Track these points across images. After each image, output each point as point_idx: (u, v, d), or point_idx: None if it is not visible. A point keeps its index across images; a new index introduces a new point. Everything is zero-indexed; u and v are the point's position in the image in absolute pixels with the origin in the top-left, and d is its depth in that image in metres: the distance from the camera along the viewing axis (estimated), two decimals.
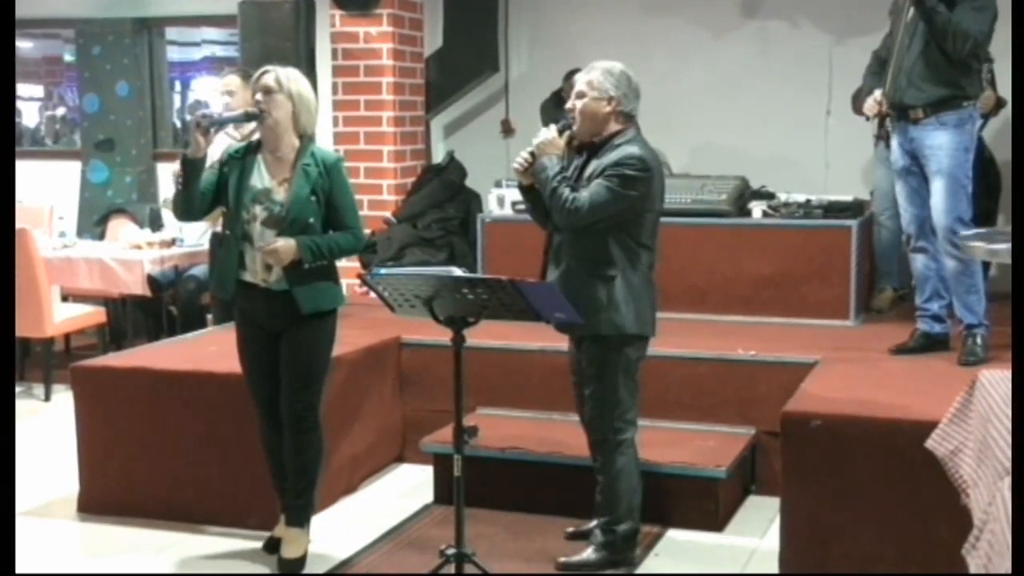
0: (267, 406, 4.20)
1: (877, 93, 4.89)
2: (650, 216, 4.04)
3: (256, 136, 4.27)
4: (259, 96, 4.08)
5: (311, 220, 4.07)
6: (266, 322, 4.14)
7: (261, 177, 4.10)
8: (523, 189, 4.18)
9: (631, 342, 4.05)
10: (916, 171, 4.84)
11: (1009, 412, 2.15)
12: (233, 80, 5.79)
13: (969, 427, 2.43)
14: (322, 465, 4.29)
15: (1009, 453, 2.03)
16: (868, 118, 5.10)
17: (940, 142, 4.69)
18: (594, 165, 3.99)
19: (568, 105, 4.10)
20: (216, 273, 4.35)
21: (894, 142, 4.90)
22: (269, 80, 4.09)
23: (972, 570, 2.29)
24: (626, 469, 4.12)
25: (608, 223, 3.95)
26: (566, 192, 3.93)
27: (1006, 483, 1.97)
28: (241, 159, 4.15)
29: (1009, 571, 1.66)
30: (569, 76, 7.29)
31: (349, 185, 4.25)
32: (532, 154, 4.05)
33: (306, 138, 4.15)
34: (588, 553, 4.17)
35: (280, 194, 4.07)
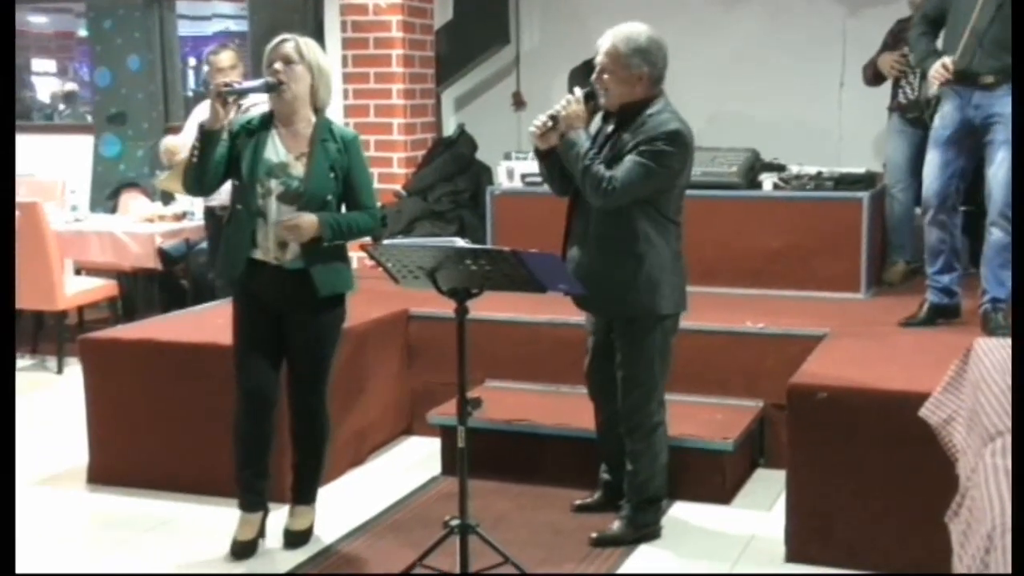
0: (254, 392, 4.04)
1: (947, 59, 4.66)
2: (678, 190, 4.01)
3: (252, 108, 4.11)
4: (278, 65, 3.91)
5: (329, 197, 3.96)
6: (273, 303, 3.99)
7: (276, 151, 3.94)
8: (539, 154, 4.08)
9: (665, 321, 4.03)
10: (961, 141, 4.72)
11: (999, 379, 2.14)
12: (228, 56, 5.76)
13: (962, 395, 2.41)
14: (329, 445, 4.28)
15: (995, 420, 2.02)
16: (914, 76, 4.86)
17: (1010, 111, 4.51)
18: (626, 137, 3.92)
19: (593, 77, 3.99)
20: (225, 250, 4.05)
21: (948, 107, 4.73)
22: (289, 49, 3.91)
23: (953, 537, 2.28)
24: (660, 450, 4.14)
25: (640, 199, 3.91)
26: (600, 170, 3.85)
27: (989, 449, 1.96)
28: (255, 131, 3.97)
29: (986, 535, 1.65)
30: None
31: (366, 163, 4.16)
32: (552, 118, 3.94)
33: (322, 112, 4.02)
34: (619, 527, 4.17)
35: (298, 169, 3.93)
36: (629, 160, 3.86)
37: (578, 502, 4.44)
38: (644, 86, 3.95)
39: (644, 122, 3.91)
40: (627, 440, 4.14)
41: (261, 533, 4.16)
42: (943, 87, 4.71)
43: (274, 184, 3.92)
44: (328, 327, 4.07)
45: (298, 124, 3.97)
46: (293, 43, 3.94)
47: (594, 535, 4.15)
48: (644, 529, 4.18)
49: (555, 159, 4.02)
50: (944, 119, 4.77)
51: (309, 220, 3.87)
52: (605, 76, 3.95)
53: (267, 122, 4.01)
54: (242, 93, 3.98)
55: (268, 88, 3.93)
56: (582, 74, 7.32)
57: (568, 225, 4.11)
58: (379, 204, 7.04)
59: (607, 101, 3.99)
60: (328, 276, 3.98)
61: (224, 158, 3.93)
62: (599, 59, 3.96)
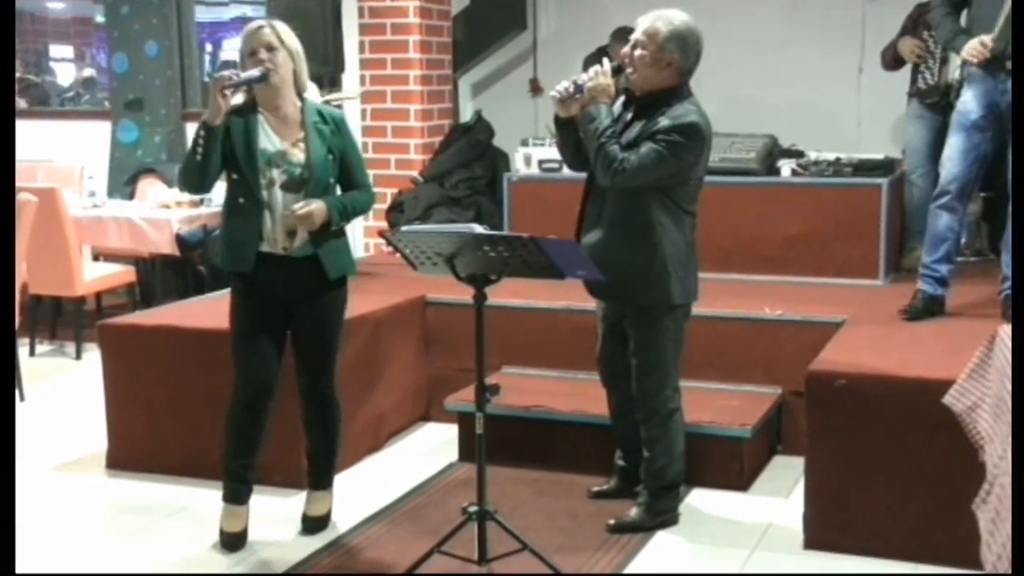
0: (257, 384, 3.98)
1: (985, 37, 4.50)
2: (695, 181, 4.00)
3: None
4: (263, 54, 3.84)
5: (331, 180, 3.95)
6: (282, 294, 3.96)
7: (270, 139, 3.88)
8: (557, 121, 4.08)
9: (676, 310, 4.03)
10: (986, 129, 4.63)
11: None
12: None
13: (988, 382, 2.39)
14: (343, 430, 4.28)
15: None
16: (935, 59, 4.71)
17: None
18: (645, 124, 3.91)
19: (624, 50, 3.96)
20: (231, 245, 3.96)
21: (974, 92, 4.62)
22: (269, 36, 3.86)
23: (981, 524, 2.26)
24: (677, 437, 4.14)
25: (652, 186, 3.90)
26: (615, 150, 3.85)
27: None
28: (242, 122, 3.87)
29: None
30: (619, 34, 7.21)
31: (356, 141, 4.16)
32: (577, 86, 3.92)
33: (304, 95, 3.99)
34: (636, 514, 4.17)
35: (297, 155, 3.90)
36: (646, 146, 3.85)
37: (595, 489, 4.44)
38: (671, 73, 3.93)
39: (664, 112, 3.90)
40: (643, 427, 4.14)
41: (247, 527, 4.12)
42: (977, 67, 4.62)
43: (276, 174, 3.88)
44: (336, 310, 4.07)
45: (286, 109, 3.92)
46: (271, 29, 3.89)
47: (612, 522, 4.15)
48: (662, 515, 4.18)
49: (572, 128, 4.01)
50: (969, 104, 4.66)
51: (319, 207, 3.85)
52: (637, 53, 3.93)
53: (249, 111, 3.92)
54: (243, 85, 3.86)
55: (262, 78, 3.84)
56: (595, 61, 7.31)
57: (583, 209, 4.10)
58: (393, 188, 7.09)
59: (633, 81, 3.98)
60: (336, 259, 3.99)
61: (219, 153, 3.84)
62: (636, 35, 3.94)
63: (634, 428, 4.22)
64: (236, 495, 4.09)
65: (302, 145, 3.92)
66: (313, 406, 4.13)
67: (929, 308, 4.79)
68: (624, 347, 4.13)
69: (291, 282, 3.95)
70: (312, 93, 6.09)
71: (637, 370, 4.07)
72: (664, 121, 3.88)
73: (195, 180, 3.88)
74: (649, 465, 4.16)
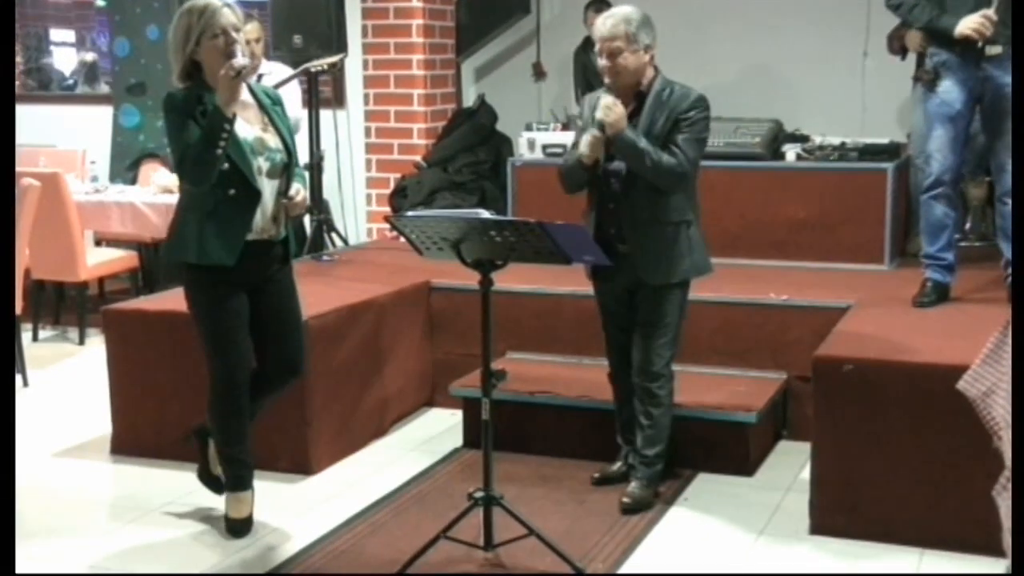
0: (245, 367, 3.93)
1: (989, 11, 4.43)
2: None
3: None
4: (233, 35, 3.69)
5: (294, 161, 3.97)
6: (254, 278, 3.86)
7: (244, 127, 3.76)
8: (582, 165, 4.06)
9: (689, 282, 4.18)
10: (967, 116, 4.64)
11: None
12: (254, 28, 5.71)
13: (1003, 368, 2.38)
14: None
15: None
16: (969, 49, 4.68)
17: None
18: (653, 117, 4.00)
19: (603, 63, 4.02)
20: (223, 238, 3.76)
21: (952, 81, 4.59)
22: (234, 18, 3.73)
23: (1002, 511, 2.25)
24: (671, 402, 4.22)
25: None
26: (668, 159, 3.96)
27: None
28: (204, 104, 3.70)
29: None
30: (595, 6, 7.20)
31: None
32: (600, 125, 3.94)
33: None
34: (639, 489, 4.20)
35: (273, 141, 3.84)
36: (682, 138, 3.97)
37: (596, 475, 4.44)
38: (648, 59, 4.04)
39: (663, 99, 4.02)
40: (644, 393, 4.17)
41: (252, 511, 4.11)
42: (941, 55, 4.58)
43: (261, 161, 3.80)
44: (293, 283, 4.07)
45: (242, 94, 3.78)
46: (232, 11, 3.74)
47: (625, 500, 4.16)
48: (657, 483, 4.25)
49: (596, 166, 4.05)
50: (949, 93, 4.62)
51: (304, 193, 3.91)
52: (619, 58, 3.98)
53: (208, 100, 3.70)
54: (249, 74, 3.80)
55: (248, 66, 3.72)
56: (582, 50, 7.31)
57: (600, 215, 4.11)
58: (396, 173, 7.05)
59: (622, 81, 4.03)
60: (293, 237, 4.06)
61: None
62: (606, 45, 3.99)
63: (633, 416, 4.28)
64: (240, 482, 4.07)
65: (272, 130, 3.86)
66: (283, 376, 4.05)
67: (941, 295, 4.79)
68: (628, 326, 4.19)
69: (264, 265, 3.90)
70: (279, 69, 6.08)
71: (649, 340, 4.12)
72: (673, 106, 4.00)
73: (209, 174, 3.68)
74: (647, 431, 4.19)
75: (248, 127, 3.80)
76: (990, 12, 4.44)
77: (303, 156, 5.32)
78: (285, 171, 3.87)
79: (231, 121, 3.66)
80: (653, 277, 4.07)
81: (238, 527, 4.05)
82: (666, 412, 4.20)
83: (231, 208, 3.77)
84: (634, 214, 4.04)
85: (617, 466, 4.43)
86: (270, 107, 3.91)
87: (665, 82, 4.06)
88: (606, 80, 4.08)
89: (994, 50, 4.49)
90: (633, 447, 4.34)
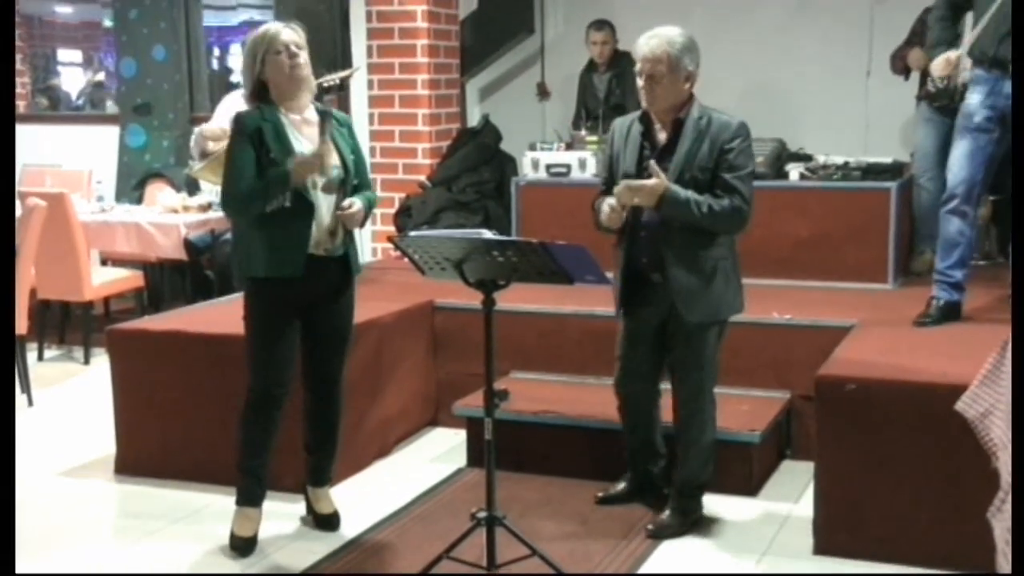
0: (284, 384, 4.03)
1: (952, 54, 4.58)
2: None
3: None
4: (294, 50, 3.87)
5: (356, 181, 4.05)
6: (304, 294, 3.97)
7: (300, 142, 3.91)
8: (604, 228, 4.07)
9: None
10: (990, 131, 4.62)
11: None
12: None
13: (1001, 388, 2.38)
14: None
15: None
16: (933, 81, 4.78)
17: None
18: (695, 148, 3.90)
19: (640, 84, 3.95)
20: (282, 251, 3.89)
21: (978, 95, 4.61)
22: (296, 36, 3.92)
23: (996, 533, 2.25)
24: (713, 437, 4.19)
25: None
26: (724, 204, 3.88)
27: None
28: (271, 127, 3.88)
29: None
30: (596, 25, 7.22)
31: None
32: (621, 206, 3.91)
33: (314, 96, 4.06)
34: (670, 517, 4.18)
35: (331, 158, 3.95)
36: (733, 177, 3.89)
37: (600, 494, 4.43)
38: (689, 86, 3.96)
39: (702, 127, 3.92)
40: (683, 427, 4.14)
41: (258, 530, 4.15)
42: (973, 70, 4.60)
43: (316, 176, 3.91)
44: (353, 304, 4.18)
45: (304, 112, 3.99)
46: (293, 31, 3.94)
47: (650, 527, 4.15)
48: (692, 515, 4.21)
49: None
50: (973, 107, 4.66)
51: (359, 205, 3.96)
52: (658, 84, 3.90)
53: (269, 114, 3.92)
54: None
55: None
56: (587, 72, 7.34)
57: (631, 243, 4.03)
58: (401, 193, 7.09)
59: (655, 106, 3.97)
60: (357, 256, 4.14)
61: (255, 161, 3.86)
62: (646, 67, 3.91)
63: (648, 442, 4.29)
64: (251, 497, 4.11)
65: (329, 148, 3.95)
66: (324, 398, 4.19)
67: (946, 315, 4.76)
68: (653, 356, 4.15)
69: (319, 281, 4.00)
70: None
71: (683, 372, 4.09)
72: (715, 136, 3.90)
73: (250, 216, 3.90)
74: (684, 468, 4.16)
75: (303, 142, 3.94)
76: (952, 54, 4.58)
77: None
78: (342, 187, 3.97)
79: (287, 190, 3.84)
80: (692, 314, 3.98)
81: (241, 545, 4.06)
82: (703, 450, 4.14)
83: (287, 220, 3.89)
84: (672, 247, 3.94)
85: (622, 487, 4.43)
86: (336, 127, 4.00)
87: (701, 109, 3.96)
88: (643, 103, 4.00)
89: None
90: (640, 473, 4.35)
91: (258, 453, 4.08)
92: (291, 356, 4.04)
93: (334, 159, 3.96)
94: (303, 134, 3.96)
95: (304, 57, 3.94)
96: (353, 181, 4.03)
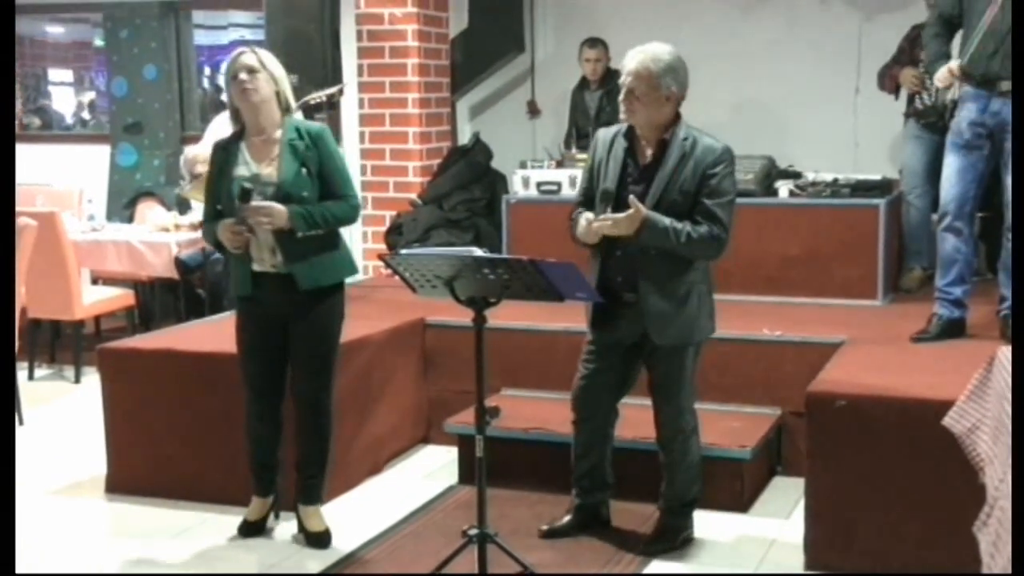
0: (262, 391, 4.23)
1: (953, 64, 4.59)
2: None
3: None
4: (243, 76, 3.99)
5: (305, 194, 4.04)
6: (273, 309, 4.11)
7: (247, 164, 4.07)
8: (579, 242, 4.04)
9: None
10: (980, 147, 4.64)
11: None
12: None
13: (987, 404, 2.40)
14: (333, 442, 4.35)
15: None
16: (931, 92, 4.80)
17: None
18: (678, 169, 3.87)
19: (620, 97, 3.92)
20: (234, 272, 4.23)
21: (965, 113, 4.64)
22: (251, 60, 4.03)
23: (982, 547, 2.26)
24: (697, 454, 4.17)
25: None
26: (702, 231, 3.84)
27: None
28: (225, 149, 4.13)
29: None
30: (590, 42, 7.25)
31: (338, 153, 4.26)
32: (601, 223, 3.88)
33: (289, 113, 4.13)
34: (661, 535, 4.18)
35: (270, 175, 4.04)
36: (714, 204, 3.86)
37: (544, 527, 4.29)
38: (672, 106, 3.92)
39: (686, 149, 3.88)
40: (665, 449, 4.12)
41: (268, 516, 4.38)
42: (963, 87, 4.65)
43: (253, 196, 4.00)
44: (326, 320, 4.18)
45: (270, 131, 4.08)
46: (251, 53, 4.07)
47: (641, 545, 4.15)
48: (683, 532, 4.20)
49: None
50: (962, 123, 4.68)
51: (279, 208, 3.97)
52: (635, 101, 3.88)
53: (233, 141, 4.14)
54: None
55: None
56: (578, 90, 7.37)
57: (605, 261, 3.98)
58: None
59: (632, 120, 3.94)
60: (309, 271, 4.08)
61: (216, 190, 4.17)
62: (627, 80, 3.88)
63: (597, 468, 4.24)
64: (255, 489, 4.36)
65: (276, 163, 4.04)
66: (308, 414, 4.23)
67: (947, 331, 4.76)
68: (619, 374, 4.12)
69: (280, 298, 4.09)
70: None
71: (663, 394, 4.06)
72: (699, 160, 3.86)
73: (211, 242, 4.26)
74: (671, 486, 4.15)
75: (251, 163, 4.07)
76: (954, 64, 4.58)
77: None
78: (287, 202, 3.99)
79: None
80: (663, 338, 3.95)
81: (243, 528, 4.37)
82: (688, 468, 4.12)
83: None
84: (648, 271, 3.91)
85: (567, 519, 4.31)
86: (292, 142, 4.05)
87: (688, 130, 3.92)
88: (622, 117, 3.97)
89: (1005, 86, 4.50)
90: (587, 505, 4.30)
91: (256, 456, 4.31)
92: (264, 371, 4.21)
93: (271, 175, 4.03)
94: (256, 156, 4.07)
95: (260, 80, 4.01)
96: (302, 194, 4.02)
